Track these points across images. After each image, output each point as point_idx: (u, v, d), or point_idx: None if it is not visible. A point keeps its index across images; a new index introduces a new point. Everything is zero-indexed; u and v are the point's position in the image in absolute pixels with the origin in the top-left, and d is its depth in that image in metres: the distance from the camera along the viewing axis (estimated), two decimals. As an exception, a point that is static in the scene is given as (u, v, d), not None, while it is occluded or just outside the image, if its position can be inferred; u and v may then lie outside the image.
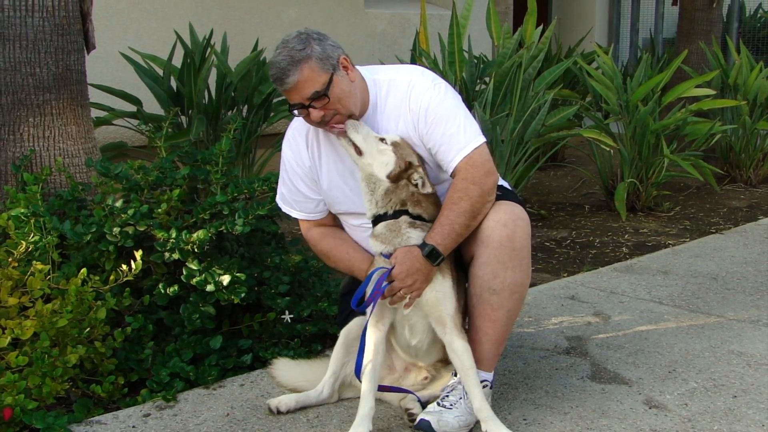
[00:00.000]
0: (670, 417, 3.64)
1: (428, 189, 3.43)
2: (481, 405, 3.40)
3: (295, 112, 3.47)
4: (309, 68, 3.35)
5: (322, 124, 3.45)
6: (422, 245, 3.37)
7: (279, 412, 3.64)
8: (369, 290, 3.40)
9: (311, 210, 3.77)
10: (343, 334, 3.74)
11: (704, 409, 3.71)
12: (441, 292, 3.44)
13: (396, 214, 3.42)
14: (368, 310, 3.43)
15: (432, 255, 3.35)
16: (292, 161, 3.72)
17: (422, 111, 3.49)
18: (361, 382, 3.48)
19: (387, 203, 3.42)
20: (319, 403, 3.72)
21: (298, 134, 3.71)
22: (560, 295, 5.32)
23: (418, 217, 3.43)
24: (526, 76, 6.93)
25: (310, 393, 3.72)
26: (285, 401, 3.66)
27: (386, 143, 3.44)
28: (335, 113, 3.41)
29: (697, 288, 5.46)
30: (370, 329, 3.48)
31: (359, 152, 3.42)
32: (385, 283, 3.37)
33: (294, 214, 3.81)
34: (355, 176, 3.56)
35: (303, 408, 3.69)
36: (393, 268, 3.37)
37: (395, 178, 3.41)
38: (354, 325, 3.71)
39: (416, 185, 3.42)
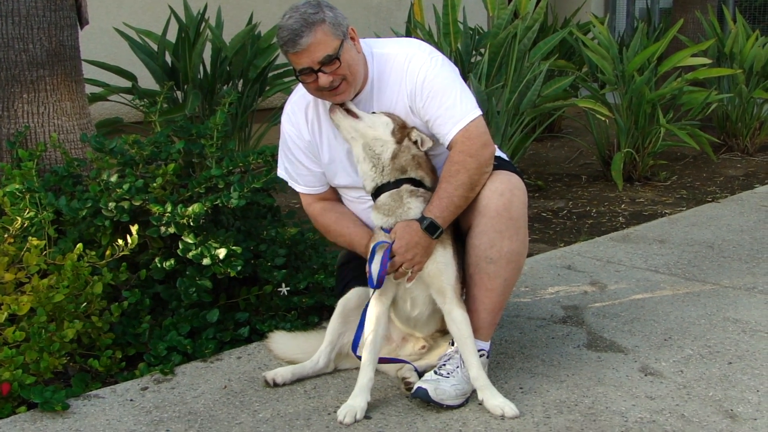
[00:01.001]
0: (666, 384, 3.66)
1: (428, 144, 3.48)
2: (477, 374, 3.43)
3: (303, 77, 3.47)
4: (322, 31, 3.37)
5: (326, 91, 3.45)
6: (420, 219, 3.39)
7: (275, 384, 3.65)
8: (375, 267, 3.43)
9: (314, 183, 3.78)
10: (341, 304, 3.76)
11: (699, 375, 3.73)
12: (442, 263, 3.46)
13: (397, 183, 3.44)
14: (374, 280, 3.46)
15: (430, 228, 3.37)
16: (293, 135, 3.74)
17: (419, 84, 3.50)
18: (358, 357, 3.50)
19: (392, 169, 3.44)
20: (315, 374, 3.74)
21: (297, 109, 3.72)
22: (557, 265, 5.33)
23: (420, 183, 3.46)
24: (521, 47, 6.92)
25: (305, 364, 3.74)
26: (281, 373, 3.68)
27: (376, 112, 3.51)
28: (342, 79, 3.42)
29: (693, 256, 5.48)
30: (373, 302, 3.49)
31: (355, 115, 3.45)
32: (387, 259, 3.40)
33: (297, 187, 3.83)
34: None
35: (299, 380, 3.71)
36: (393, 243, 3.39)
37: (399, 137, 3.44)
38: (352, 295, 3.73)
39: (416, 142, 3.46)
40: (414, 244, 3.38)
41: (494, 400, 3.40)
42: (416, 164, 3.47)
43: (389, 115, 3.50)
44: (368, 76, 3.58)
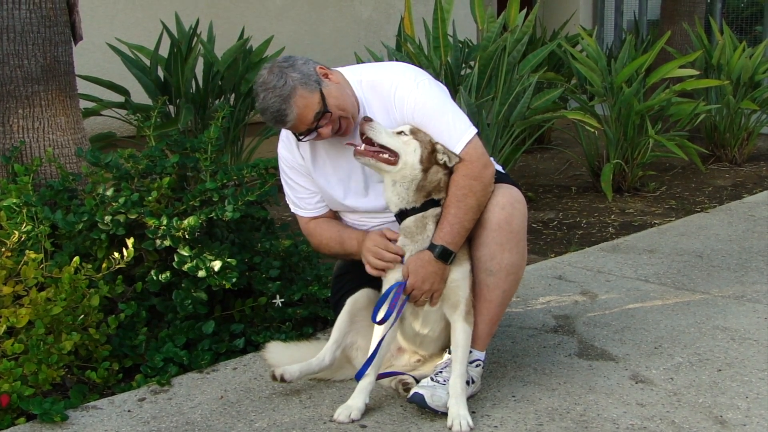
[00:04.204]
0: (656, 391, 3.70)
1: (455, 160, 3.46)
2: (455, 381, 3.44)
3: (306, 139, 3.54)
4: (301, 97, 3.40)
5: (335, 134, 3.52)
6: (432, 246, 3.42)
7: (283, 380, 3.63)
8: (386, 306, 3.47)
9: (315, 205, 3.80)
10: (350, 302, 3.74)
11: (689, 382, 3.78)
12: (460, 279, 3.51)
13: (424, 206, 3.46)
14: (389, 321, 3.49)
15: (443, 255, 3.42)
16: (289, 158, 3.78)
17: (408, 113, 3.53)
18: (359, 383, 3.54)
19: (418, 196, 3.44)
20: (321, 370, 3.71)
21: (290, 133, 3.74)
22: (548, 275, 5.38)
23: (438, 203, 3.48)
24: (510, 60, 6.98)
25: (312, 361, 3.69)
26: (289, 370, 3.64)
27: (406, 134, 3.46)
28: (340, 118, 3.48)
29: (682, 266, 5.53)
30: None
31: (395, 161, 3.42)
32: (403, 298, 3.45)
33: (303, 213, 3.84)
34: (357, 174, 3.64)
35: (306, 376, 3.72)
36: (406, 281, 3.43)
37: (426, 164, 3.43)
38: (361, 295, 3.74)
39: (443, 163, 3.46)
40: (429, 274, 3.42)
41: (455, 409, 3.40)
42: (440, 187, 3.47)
43: (417, 136, 3.46)
44: (359, 101, 3.60)
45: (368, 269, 3.56)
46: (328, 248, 3.82)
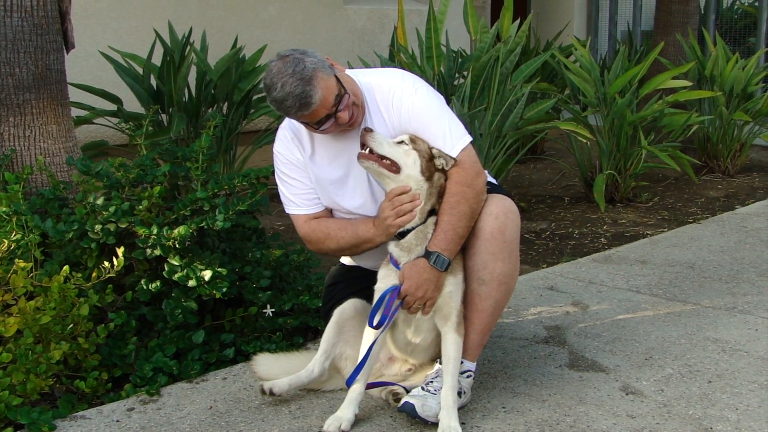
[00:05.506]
0: (647, 402, 3.70)
1: (451, 162, 3.48)
2: (447, 393, 3.43)
3: (323, 127, 3.50)
4: (322, 79, 3.39)
5: (347, 124, 3.51)
6: (427, 254, 3.43)
7: (272, 394, 3.64)
8: (381, 311, 3.46)
9: (312, 200, 3.76)
10: (337, 313, 3.75)
11: (680, 394, 3.78)
12: (453, 292, 3.50)
13: (426, 218, 3.48)
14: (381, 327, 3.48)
15: (439, 262, 3.42)
16: (287, 154, 3.76)
17: (405, 118, 3.55)
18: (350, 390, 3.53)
19: (422, 212, 3.46)
20: (311, 382, 3.72)
21: (288, 131, 3.75)
22: (539, 286, 5.37)
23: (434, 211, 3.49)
24: (503, 70, 6.98)
25: (300, 374, 3.70)
26: (278, 384, 3.65)
27: (406, 143, 3.48)
28: (353, 104, 3.48)
29: (674, 277, 5.53)
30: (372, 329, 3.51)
31: (397, 170, 3.45)
32: (397, 302, 3.44)
33: (301, 211, 3.78)
34: (356, 173, 3.63)
35: (296, 389, 3.72)
36: (401, 285, 3.43)
37: (427, 173, 3.45)
38: (348, 305, 3.75)
39: (442, 168, 3.47)
40: (423, 281, 3.42)
41: (446, 421, 3.38)
42: (440, 195, 3.49)
43: (416, 146, 3.48)
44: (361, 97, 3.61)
45: (395, 224, 3.48)
46: (336, 239, 3.71)
